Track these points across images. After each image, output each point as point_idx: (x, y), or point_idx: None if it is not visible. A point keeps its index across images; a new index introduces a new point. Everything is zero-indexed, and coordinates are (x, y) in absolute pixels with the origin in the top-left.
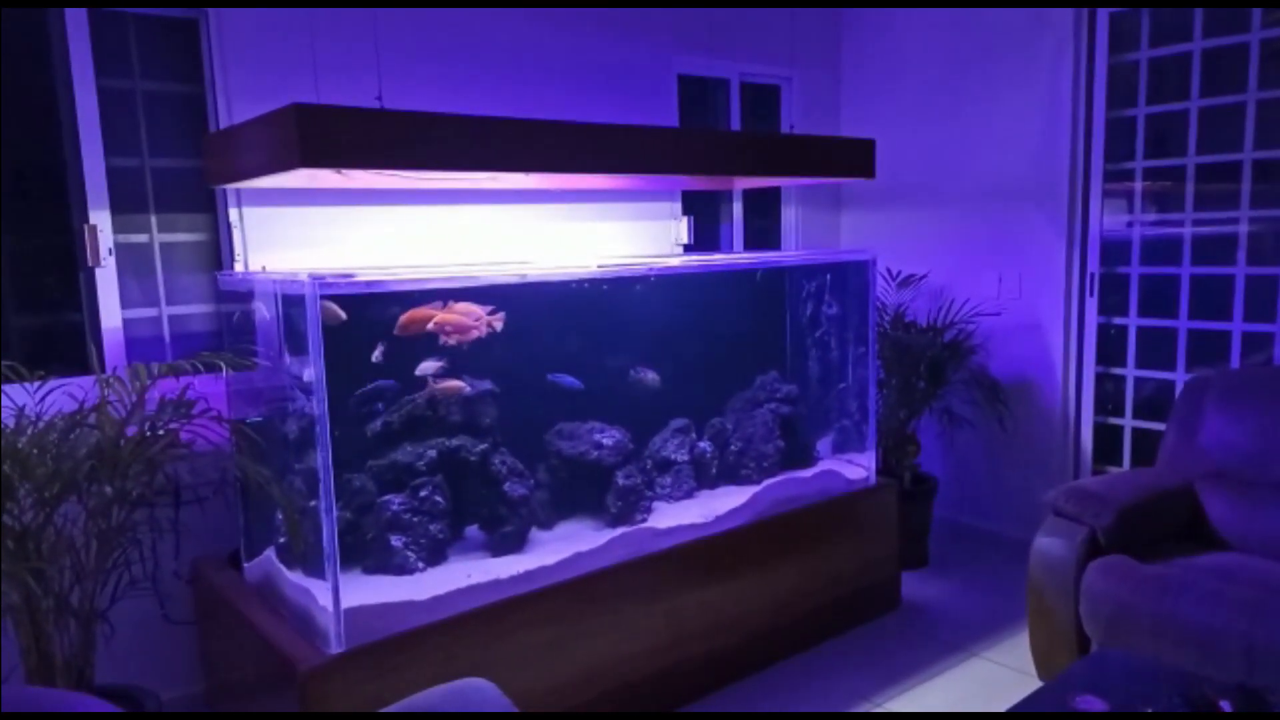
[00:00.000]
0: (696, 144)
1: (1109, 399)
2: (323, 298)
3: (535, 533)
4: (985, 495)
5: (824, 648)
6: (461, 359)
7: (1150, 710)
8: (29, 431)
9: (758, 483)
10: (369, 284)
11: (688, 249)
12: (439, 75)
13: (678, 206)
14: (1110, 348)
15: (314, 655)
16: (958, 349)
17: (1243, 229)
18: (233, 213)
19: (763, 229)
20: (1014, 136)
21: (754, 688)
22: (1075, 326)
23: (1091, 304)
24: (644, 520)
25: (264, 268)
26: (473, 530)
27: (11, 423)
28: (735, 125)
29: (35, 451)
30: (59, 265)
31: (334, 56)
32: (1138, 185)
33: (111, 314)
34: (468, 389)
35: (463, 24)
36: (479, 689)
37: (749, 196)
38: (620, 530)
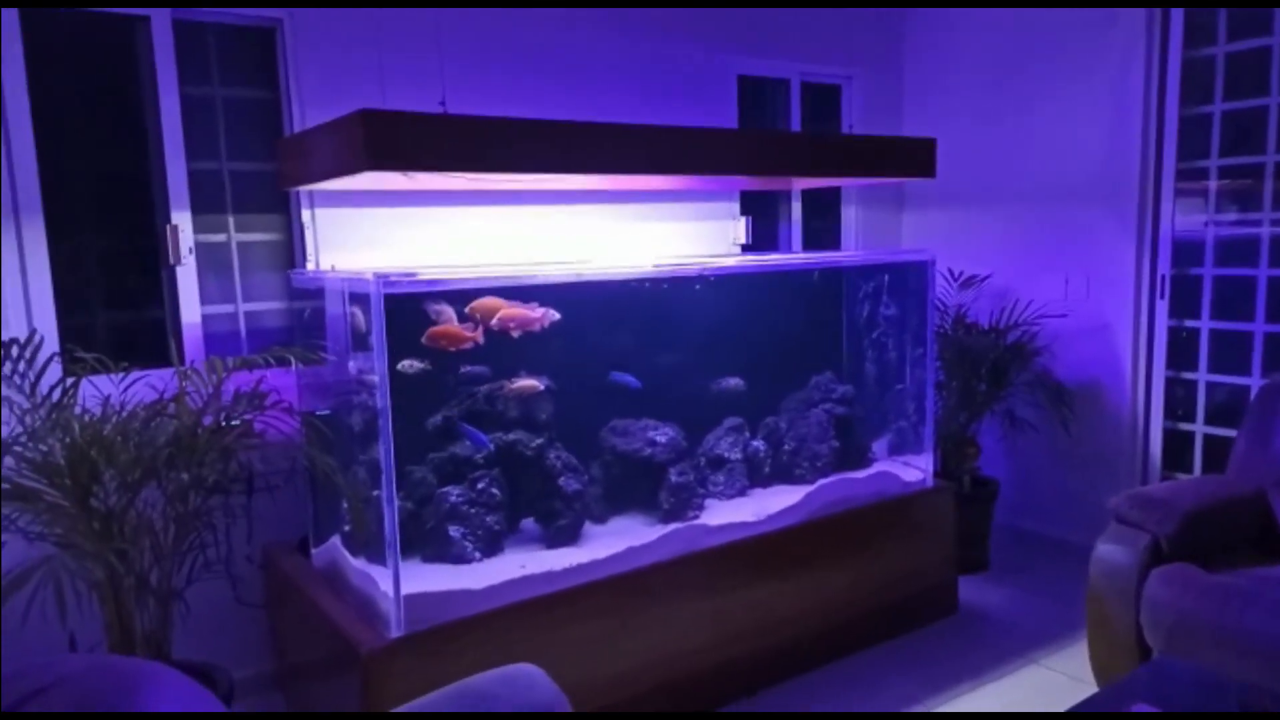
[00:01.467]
0: (752, 144)
1: (1179, 404)
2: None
3: (588, 527)
4: (1049, 500)
5: (876, 651)
6: (521, 357)
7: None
8: (113, 420)
9: (811, 483)
10: (430, 282)
11: (745, 249)
12: (502, 81)
13: (736, 207)
14: (1182, 352)
15: (375, 638)
16: (1021, 351)
17: None
18: (305, 214)
19: (822, 229)
20: (1080, 135)
21: (799, 688)
22: (1145, 329)
23: (1162, 306)
24: (695, 517)
25: (333, 266)
26: (528, 523)
27: (98, 411)
28: (795, 125)
29: (119, 439)
30: (143, 264)
31: (400, 64)
32: (1212, 184)
33: (191, 310)
34: (541, 387)
35: (524, 30)
36: (528, 674)
37: (808, 197)
38: (672, 526)
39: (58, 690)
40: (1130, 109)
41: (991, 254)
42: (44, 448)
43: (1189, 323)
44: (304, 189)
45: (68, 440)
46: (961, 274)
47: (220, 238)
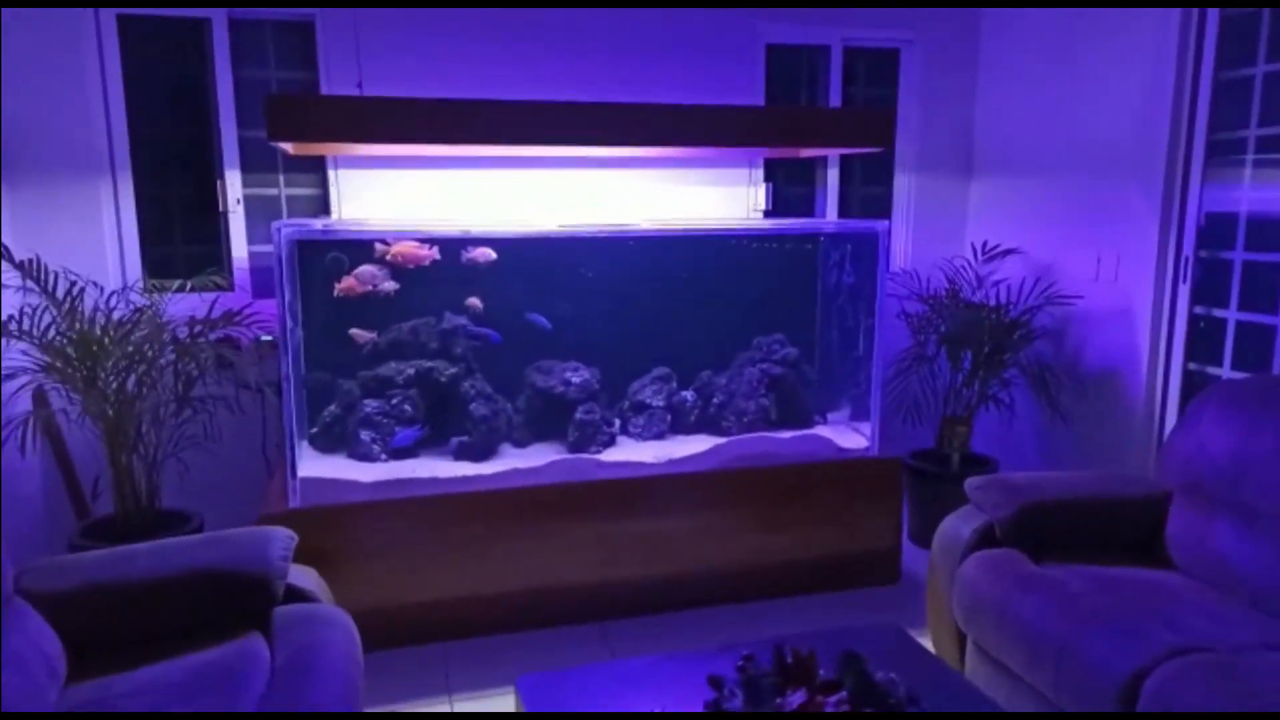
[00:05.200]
0: (681, 119)
1: None
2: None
3: (509, 449)
4: None
5: (790, 600)
6: (487, 310)
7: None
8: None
9: (730, 436)
10: (325, 230)
11: (767, 214)
12: (499, 54)
13: (758, 173)
14: (1207, 343)
15: (279, 505)
16: (1016, 331)
17: None
18: (330, 174)
19: (872, 197)
20: (1116, 97)
21: (695, 619)
22: (1166, 316)
23: (1184, 291)
24: (598, 452)
25: (323, 222)
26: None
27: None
28: (835, 95)
29: (106, 339)
30: (205, 211)
31: (421, 45)
32: (1249, 157)
33: (240, 247)
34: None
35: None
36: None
37: (854, 164)
38: (563, 456)
39: None
40: (1164, 69)
41: (1046, 226)
42: (51, 337)
43: (1217, 312)
44: (309, 152)
45: (72, 334)
46: (995, 247)
47: (273, 191)
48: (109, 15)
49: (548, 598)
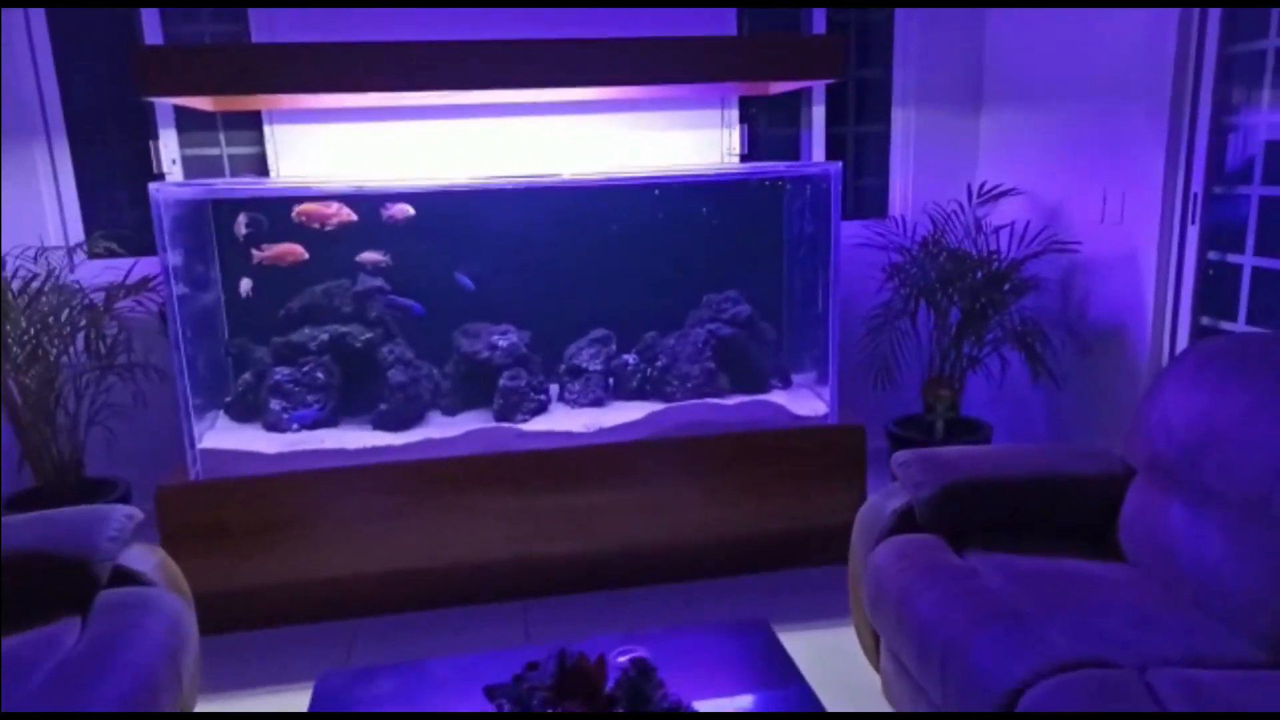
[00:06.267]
0: (595, 53)
1: None
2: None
3: (436, 418)
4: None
5: (738, 581)
6: (411, 270)
7: None
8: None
9: (671, 401)
10: (207, 187)
11: (743, 158)
12: None
13: (733, 114)
14: (1220, 293)
15: (180, 478)
16: (1003, 283)
17: None
18: (266, 130)
19: (868, 135)
20: (1126, 11)
21: (626, 599)
22: (1174, 263)
23: (1193, 233)
24: (524, 420)
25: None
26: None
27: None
28: (819, 21)
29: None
30: (143, 172)
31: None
32: (1268, 75)
33: None
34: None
35: None
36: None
37: (845, 99)
38: (486, 425)
39: None
40: None
41: (1054, 163)
42: None
43: (1232, 257)
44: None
45: None
46: (994, 188)
47: (215, 151)
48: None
49: (465, 575)
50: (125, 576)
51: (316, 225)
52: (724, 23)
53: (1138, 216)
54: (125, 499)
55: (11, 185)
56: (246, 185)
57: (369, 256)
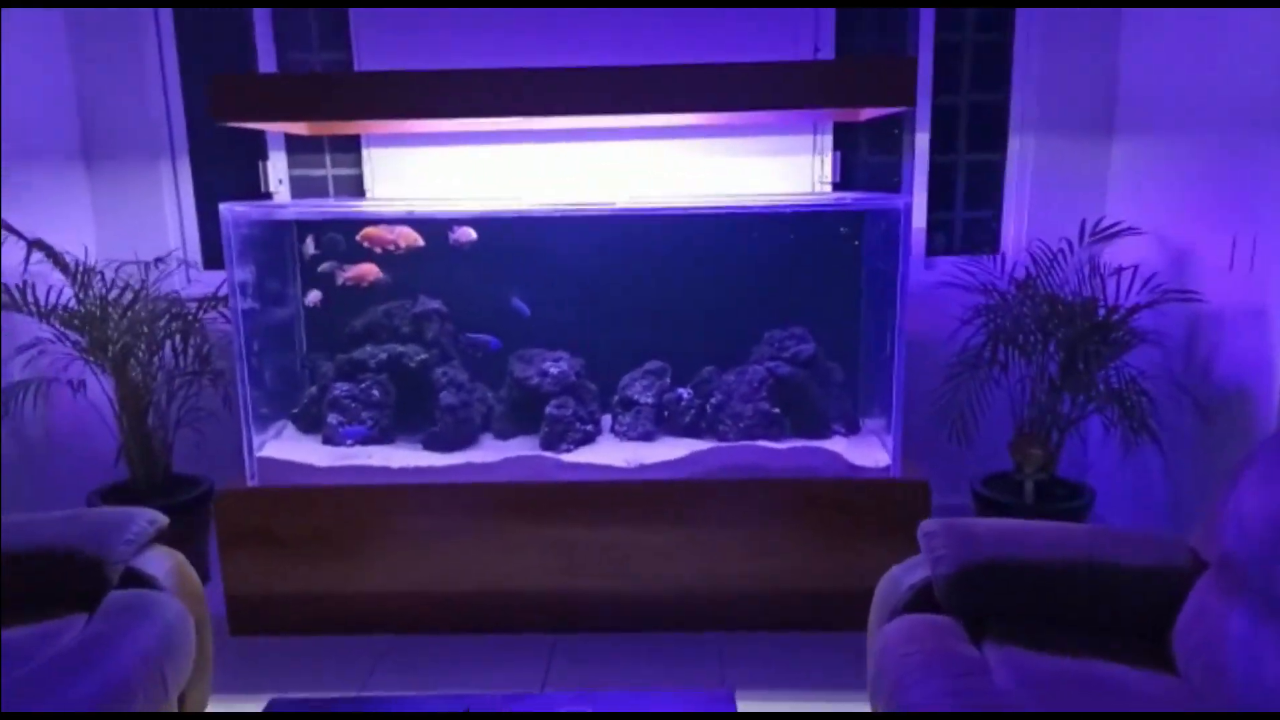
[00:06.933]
0: (617, 82)
1: None
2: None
3: (490, 441)
4: (1163, 525)
5: (775, 637)
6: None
7: None
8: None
9: (724, 440)
10: (270, 208)
11: (835, 187)
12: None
13: (826, 140)
14: None
15: (240, 483)
16: (1111, 334)
17: None
18: (365, 153)
19: (983, 164)
20: (1266, 32)
21: (662, 644)
22: None
23: None
24: (568, 450)
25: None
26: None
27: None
28: (926, 45)
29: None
30: (252, 191)
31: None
32: None
33: None
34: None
35: None
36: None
37: (955, 126)
38: (530, 452)
39: None
40: None
41: (1185, 200)
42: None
43: None
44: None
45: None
46: (1111, 226)
47: (320, 172)
48: (165, 16)
49: (497, 602)
50: (137, 579)
51: (380, 250)
52: (823, 39)
53: (1269, 264)
54: (207, 496)
55: (139, 198)
56: (313, 207)
57: (464, 233)
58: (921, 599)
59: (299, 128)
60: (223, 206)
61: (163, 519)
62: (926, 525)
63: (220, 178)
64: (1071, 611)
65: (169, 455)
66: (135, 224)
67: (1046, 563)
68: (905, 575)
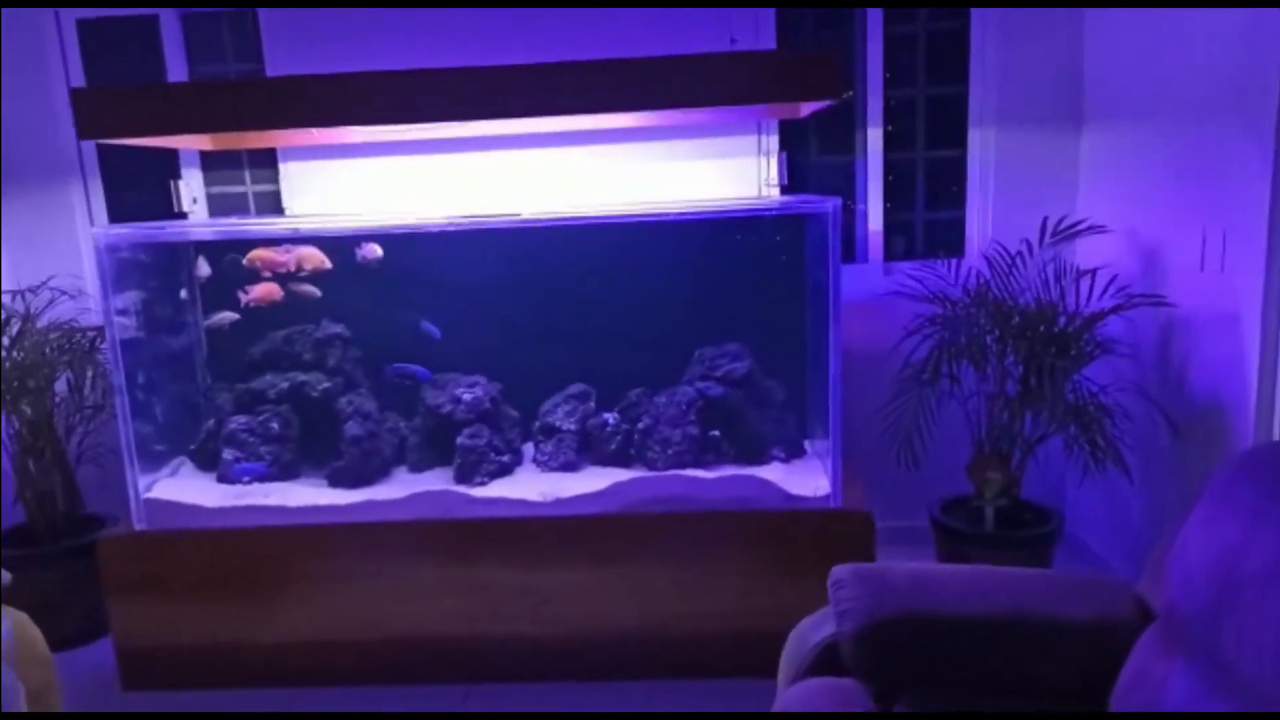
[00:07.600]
0: (523, 82)
1: None
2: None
3: (403, 474)
4: (1142, 551)
5: (706, 684)
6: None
7: None
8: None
9: (653, 469)
10: (153, 232)
11: (783, 190)
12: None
13: (772, 141)
14: None
15: (124, 527)
16: (1071, 345)
17: None
18: (281, 167)
19: (944, 162)
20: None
21: (586, 692)
22: (1276, 323)
23: None
24: (482, 483)
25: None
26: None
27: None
28: (875, 41)
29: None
30: (166, 211)
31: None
32: None
33: None
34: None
35: None
36: None
37: (910, 121)
38: (430, 487)
39: None
40: None
41: (1155, 195)
42: None
43: None
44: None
45: None
46: (1074, 225)
47: (240, 189)
48: (69, 20)
49: (406, 650)
50: None
51: (269, 274)
52: (763, 37)
53: (1240, 264)
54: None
55: (53, 224)
56: (200, 227)
57: (370, 250)
58: (829, 658)
59: (178, 142)
60: (94, 230)
61: (7, 576)
62: (837, 572)
63: (135, 198)
64: (998, 673)
65: (75, 495)
66: (46, 250)
67: (969, 616)
68: (813, 631)
